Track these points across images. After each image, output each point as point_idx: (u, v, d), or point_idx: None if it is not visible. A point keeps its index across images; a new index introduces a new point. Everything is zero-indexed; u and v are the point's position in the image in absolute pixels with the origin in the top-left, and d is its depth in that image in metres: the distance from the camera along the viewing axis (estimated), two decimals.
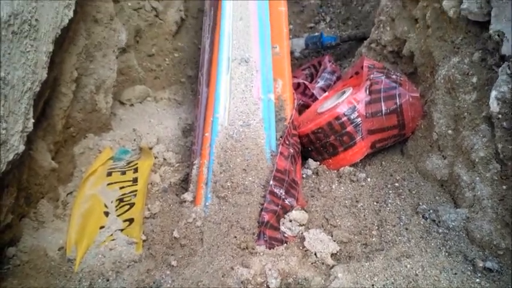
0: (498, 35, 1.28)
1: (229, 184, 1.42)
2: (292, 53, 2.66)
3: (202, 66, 2.06)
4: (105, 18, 1.93)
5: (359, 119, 1.57)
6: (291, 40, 2.64)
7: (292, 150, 1.57)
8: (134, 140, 1.93)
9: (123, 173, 1.64)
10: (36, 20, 1.12)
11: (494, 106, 1.25)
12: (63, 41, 1.45)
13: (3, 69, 1.00)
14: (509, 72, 1.24)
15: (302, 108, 2.10)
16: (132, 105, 2.32)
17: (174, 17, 2.71)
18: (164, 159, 1.80)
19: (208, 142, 1.58)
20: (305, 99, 2.10)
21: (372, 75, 1.62)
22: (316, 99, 2.04)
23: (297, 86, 2.14)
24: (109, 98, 1.98)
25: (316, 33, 2.68)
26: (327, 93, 1.94)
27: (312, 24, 2.90)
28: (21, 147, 1.08)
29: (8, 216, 1.19)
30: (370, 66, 1.66)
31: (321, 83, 2.16)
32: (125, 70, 2.46)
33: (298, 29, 2.92)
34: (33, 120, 1.13)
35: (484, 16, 1.35)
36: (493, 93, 1.25)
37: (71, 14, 1.33)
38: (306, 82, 2.12)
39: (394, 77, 1.61)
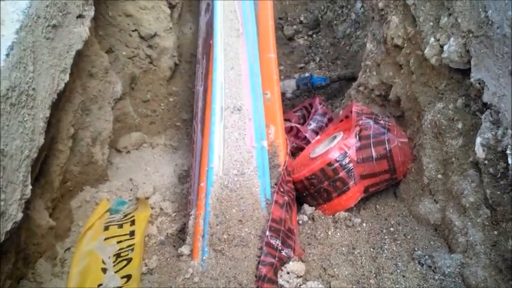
0: (479, 83, 1.33)
1: (225, 236, 1.43)
2: (284, 94, 2.73)
3: (196, 114, 2.11)
4: (100, 72, 1.99)
5: (351, 165, 1.61)
6: (282, 82, 2.71)
7: (287, 198, 1.59)
8: (131, 189, 1.95)
9: (120, 226, 1.65)
10: (33, 89, 1.16)
11: (480, 152, 1.29)
12: (59, 101, 1.49)
13: (2, 142, 1.03)
14: (491, 119, 1.28)
15: (296, 150, 2.14)
16: (128, 152, 2.35)
17: (168, 62, 2.79)
18: (161, 209, 1.82)
19: (204, 192, 1.60)
20: (298, 141, 2.15)
21: (360, 121, 1.66)
22: (309, 141, 2.08)
23: (289, 129, 2.19)
24: (105, 149, 2.01)
25: (307, 74, 2.76)
26: (319, 137, 1.98)
27: (302, 65, 2.99)
28: (19, 215, 1.09)
29: (6, 282, 1.19)
30: (359, 111, 1.71)
31: (313, 125, 2.21)
32: (121, 117, 2.51)
33: (289, 69, 3.01)
34: (30, 187, 1.15)
35: (464, 64, 1.41)
36: (478, 140, 1.29)
37: (67, 78, 1.37)
38: (298, 126, 2.16)
39: (382, 122, 1.66)
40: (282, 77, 2.96)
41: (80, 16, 1.47)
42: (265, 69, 2.04)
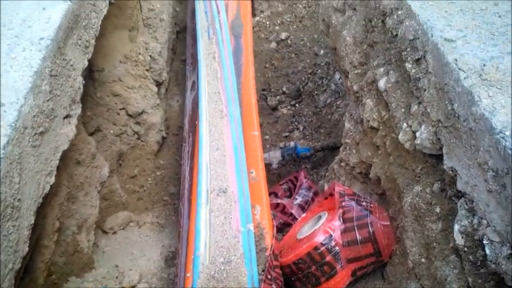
0: (452, 171, 1.38)
1: None
2: (270, 164, 2.79)
3: (182, 195, 2.13)
4: (88, 158, 2.02)
5: (337, 248, 1.62)
6: (268, 153, 2.77)
7: (274, 286, 1.58)
8: (117, 277, 1.92)
9: None
10: (18, 200, 1.18)
11: (459, 239, 1.32)
12: (45, 199, 1.51)
13: None
14: (467, 207, 1.32)
15: (283, 226, 2.16)
16: (114, 233, 2.33)
17: (156, 137, 2.85)
18: None
19: (190, 284, 1.58)
20: (285, 218, 2.17)
21: (343, 202, 1.70)
22: (295, 218, 2.11)
23: (276, 205, 2.22)
24: (91, 236, 2.00)
25: (292, 144, 2.84)
26: (304, 215, 2.00)
27: (287, 133, 3.08)
28: None
29: None
30: (341, 192, 1.75)
31: (298, 199, 2.24)
32: (108, 195, 2.51)
33: (274, 138, 3.09)
34: None
35: (437, 150, 1.47)
36: (456, 227, 1.32)
37: (52, 180, 1.40)
38: (284, 202, 2.19)
39: (364, 204, 1.70)
40: (268, 146, 3.04)
41: (67, 116, 1.52)
42: (249, 147, 2.10)
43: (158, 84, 2.91)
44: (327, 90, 3.08)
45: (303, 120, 3.10)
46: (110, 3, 1.91)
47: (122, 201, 2.56)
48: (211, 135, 2.10)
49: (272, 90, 3.26)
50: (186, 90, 2.84)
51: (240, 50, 2.55)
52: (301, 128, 3.07)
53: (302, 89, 3.21)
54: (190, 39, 3.07)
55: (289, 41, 3.38)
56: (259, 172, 2.04)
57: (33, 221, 1.27)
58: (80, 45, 1.60)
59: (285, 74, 3.29)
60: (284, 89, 3.24)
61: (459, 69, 1.34)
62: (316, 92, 3.14)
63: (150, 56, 2.80)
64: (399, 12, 1.61)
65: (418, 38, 1.50)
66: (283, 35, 3.40)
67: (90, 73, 2.51)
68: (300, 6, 3.37)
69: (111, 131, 2.60)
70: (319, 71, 3.20)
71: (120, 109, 2.65)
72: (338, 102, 2.97)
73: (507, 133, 1.13)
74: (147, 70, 2.80)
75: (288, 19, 3.40)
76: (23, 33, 1.37)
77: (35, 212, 1.29)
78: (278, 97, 3.23)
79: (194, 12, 2.90)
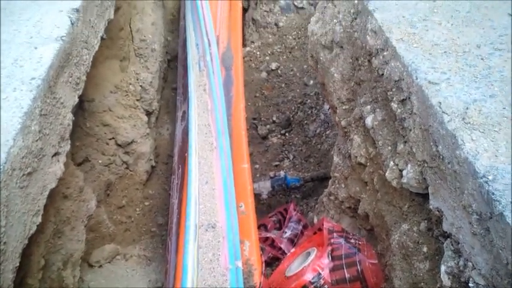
0: (438, 211, 1.40)
1: None
2: (260, 194, 2.79)
3: (170, 229, 2.12)
4: (75, 192, 2.00)
5: (326, 286, 1.62)
6: (258, 183, 2.77)
7: None
8: None
9: None
10: (4, 243, 1.17)
11: (445, 280, 1.32)
12: (31, 238, 1.48)
13: None
14: (453, 248, 1.34)
15: (272, 261, 2.14)
16: (100, 266, 2.29)
17: (145, 166, 2.84)
18: None
19: None
20: (274, 252, 2.16)
21: (332, 239, 1.71)
22: (284, 252, 2.10)
23: (265, 239, 2.21)
24: (77, 271, 1.96)
25: (282, 174, 2.85)
26: (293, 250, 2.00)
27: (277, 163, 3.09)
28: None
29: None
30: (330, 229, 1.76)
31: (288, 233, 2.24)
32: (95, 227, 2.48)
33: (264, 167, 3.10)
34: None
35: (423, 189, 1.50)
36: (443, 268, 1.33)
37: (39, 220, 1.38)
38: (273, 236, 2.19)
39: (353, 241, 1.71)
40: (258, 175, 3.04)
41: (55, 154, 1.51)
42: (239, 180, 2.10)
43: (148, 113, 2.92)
44: (316, 120, 3.12)
45: (293, 149, 3.12)
46: (102, 39, 1.93)
47: (109, 232, 2.53)
48: (200, 169, 2.11)
49: (262, 119, 3.29)
50: (177, 121, 2.85)
51: (231, 81, 2.58)
52: (291, 157, 3.09)
53: (292, 119, 3.25)
54: (181, 69, 3.10)
55: (279, 71, 3.43)
56: (248, 205, 2.04)
57: (18, 264, 1.25)
58: (70, 83, 1.61)
59: (275, 103, 3.33)
60: (274, 118, 3.27)
61: (443, 112, 1.37)
62: (305, 122, 3.17)
63: (141, 86, 2.82)
64: (385, 53, 1.66)
65: (403, 79, 1.54)
66: (274, 65, 3.45)
67: (80, 103, 2.51)
68: (290, 37, 3.45)
69: (100, 161, 2.59)
70: (309, 100, 3.25)
71: (110, 139, 2.65)
72: (327, 132, 3.00)
73: (490, 177, 1.15)
74: (137, 100, 2.81)
75: (278, 50, 3.47)
76: (14, 73, 1.38)
77: (20, 253, 1.27)
78: (268, 126, 3.25)
79: (185, 42, 2.94)
